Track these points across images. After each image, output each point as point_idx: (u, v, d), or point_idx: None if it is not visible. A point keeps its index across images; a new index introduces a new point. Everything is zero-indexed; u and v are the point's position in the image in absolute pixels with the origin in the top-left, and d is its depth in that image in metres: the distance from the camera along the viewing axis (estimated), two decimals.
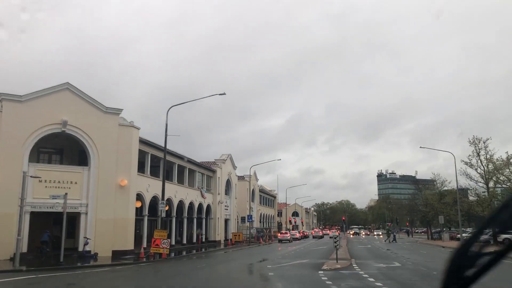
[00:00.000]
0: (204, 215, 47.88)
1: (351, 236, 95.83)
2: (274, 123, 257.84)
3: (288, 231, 66.64)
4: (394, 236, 60.23)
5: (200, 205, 46.64)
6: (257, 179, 74.98)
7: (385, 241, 59.55)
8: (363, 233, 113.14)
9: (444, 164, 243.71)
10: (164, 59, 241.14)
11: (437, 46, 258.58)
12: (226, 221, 56.33)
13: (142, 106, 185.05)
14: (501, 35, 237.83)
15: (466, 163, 46.00)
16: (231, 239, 50.71)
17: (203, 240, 47.17)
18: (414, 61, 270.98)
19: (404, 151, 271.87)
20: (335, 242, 24.88)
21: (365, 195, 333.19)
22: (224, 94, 28.87)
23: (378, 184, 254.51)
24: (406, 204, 78.71)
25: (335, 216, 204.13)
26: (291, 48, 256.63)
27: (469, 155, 45.48)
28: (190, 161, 42.67)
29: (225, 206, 55.11)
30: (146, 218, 33.84)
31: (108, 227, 28.58)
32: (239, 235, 50.79)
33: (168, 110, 28.69)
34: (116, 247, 28.64)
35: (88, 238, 27.97)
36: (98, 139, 28.99)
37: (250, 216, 55.31)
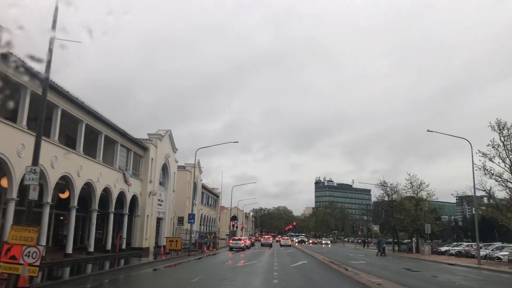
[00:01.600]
0: (126, 210, 32.76)
1: (297, 244, 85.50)
2: (211, 127, 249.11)
3: (242, 238, 52.84)
4: (384, 248, 48.56)
5: (122, 195, 31.57)
6: (201, 171, 60.42)
7: (376, 254, 47.57)
8: (311, 241, 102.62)
9: (376, 174, 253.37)
10: (98, 51, 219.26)
11: (373, 63, 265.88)
12: (159, 221, 41.45)
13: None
14: (432, 56, 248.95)
15: (484, 155, 35.08)
16: (164, 247, 35.88)
17: (123, 247, 32.08)
18: (351, 75, 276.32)
19: (335, 161, 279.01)
20: None
21: (296, 204, 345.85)
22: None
23: (315, 192, 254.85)
24: (371, 210, 67.61)
25: (273, 222, 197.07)
26: (232, 51, 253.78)
27: (490, 143, 34.56)
28: (108, 123, 27.49)
29: (159, 200, 40.23)
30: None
31: None
32: (176, 242, 36.12)
33: None
34: None
35: None
36: None
37: (191, 216, 40.77)
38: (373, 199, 69.83)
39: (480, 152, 35.31)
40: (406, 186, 59.13)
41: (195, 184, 56.90)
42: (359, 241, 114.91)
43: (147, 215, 36.06)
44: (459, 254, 47.39)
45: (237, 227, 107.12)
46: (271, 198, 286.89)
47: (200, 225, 64.02)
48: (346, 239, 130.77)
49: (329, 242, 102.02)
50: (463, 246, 49.77)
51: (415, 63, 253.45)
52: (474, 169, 34.92)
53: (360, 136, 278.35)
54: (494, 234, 75.52)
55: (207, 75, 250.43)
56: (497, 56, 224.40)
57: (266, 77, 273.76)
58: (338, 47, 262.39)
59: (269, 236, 76.75)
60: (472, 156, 34.94)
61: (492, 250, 41.96)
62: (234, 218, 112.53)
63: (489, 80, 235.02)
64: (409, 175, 58.69)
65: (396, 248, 66.68)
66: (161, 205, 40.98)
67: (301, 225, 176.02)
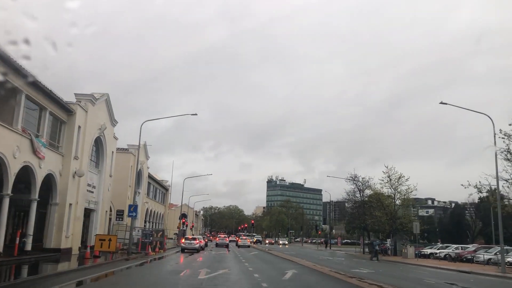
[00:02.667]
0: (35, 195, 22.68)
1: (253, 244, 77.36)
2: (160, 123, 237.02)
3: (197, 237, 43.27)
4: (377, 251, 40.95)
5: (27, 172, 21.52)
6: (147, 157, 50.29)
7: (371, 259, 39.80)
8: (267, 241, 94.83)
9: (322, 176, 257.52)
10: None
11: (325, 65, 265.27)
12: (90, 213, 31.44)
13: None
14: (383, 61, 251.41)
15: (506, 136, 28.28)
16: (93, 248, 26.04)
17: (27, 248, 21.99)
18: (303, 76, 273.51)
19: (285, 162, 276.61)
20: None
21: (246, 203, 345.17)
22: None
23: (267, 191, 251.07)
24: (339, 207, 60.32)
25: (223, 222, 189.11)
26: (184, 46, 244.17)
27: None
28: (11, 65, 17.31)
29: (90, 185, 30.23)
30: None
31: None
32: (110, 241, 26.32)
33: None
34: None
35: None
36: None
37: (133, 208, 30.96)
38: (343, 195, 61.97)
39: (502, 132, 28.54)
40: (383, 180, 52.31)
41: (140, 172, 46.88)
42: (318, 241, 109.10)
43: (70, 204, 26.04)
44: (448, 258, 40.93)
45: (186, 226, 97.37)
46: (222, 197, 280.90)
47: (146, 221, 53.95)
48: (298, 239, 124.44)
49: (287, 242, 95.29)
50: (452, 249, 43.37)
51: (365, 67, 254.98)
52: (497, 154, 27.96)
53: (310, 137, 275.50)
54: (467, 235, 71.64)
55: (157, 69, 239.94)
56: (443, 65, 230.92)
57: (219, 74, 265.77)
58: (291, 48, 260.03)
59: (225, 236, 67.58)
60: (495, 136, 27.97)
61: (495, 254, 35.55)
62: (184, 216, 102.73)
63: (434, 87, 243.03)
64: (387, 167, 51.93)
65: (366, 250, 60.05)
66: (92, 192, 30.94)
67: (250, 225, 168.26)
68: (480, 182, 31.08)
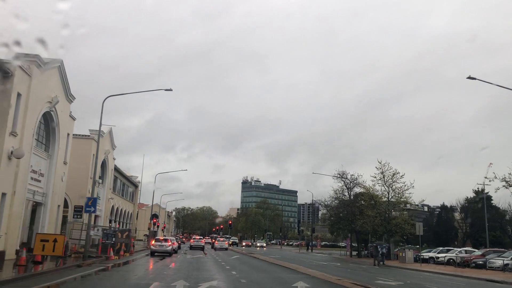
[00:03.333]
0: None
1: (230, 247, 71.87)
2: (133, 123, 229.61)
3: (169, 239, 37.17)
4: (383, 255, 35.97)
5: None
6: (114, 146, 43.93)
7: (374, 264, 34.80)
8: (244, 243, 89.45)
9: (297, 178, 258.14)
10: None
11: (300, 68, 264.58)
12: (36, 207, 25.26)
13: None
14: (356, 65, 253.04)
15: None
16: (32, 250, 20.01)
17: None
18: (278, 78, 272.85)
19: (259, 164, 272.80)
20: None
21: (219, 205, 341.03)
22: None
23: (242, 192, 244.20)
24: (333, 207, 55.24)
25: (196, 223, 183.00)
26: (159, 44, 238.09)
27: None
28: None
29: (35, 172, 24.07)
30: None
31: None
32: (55, 242, 20.18)
33: None
34: None
35: None
36: None
37: (92, 202, 24.94)
38: (329, 193, 57.01)
39: None
40: (375, 177, 47.60)
41: (104, 163, 40.66)
42: (295, 243, 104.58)
43: (3, 194, 19.89)
44: (453, 263, 36.46)
45: (158, 226, 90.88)
46: (195, 199, 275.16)
47: (112, 221, 47.63)
48: (274, 241, 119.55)
49: (264, 244, 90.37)
50: (455, 253, 38.92)
51: (339, 70, 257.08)
52: None
53: (284, 140, 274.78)
54: (454, 238, 68.06)
55: (131, 67, 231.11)
56: (414, 70, 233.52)
57: (193, 74, 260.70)
58: (267, 49, 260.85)
59: (201, 237, 61.52)
60: None
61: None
62: (155, 216, 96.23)
63: (406, 92, 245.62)
64: (380, 162, 47.28)
65: (354, 253, 55.27)
66: (39, 181, 24.77)
67: (226, 226, 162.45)
68: (510, 174, 26.28)
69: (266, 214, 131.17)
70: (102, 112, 25.61)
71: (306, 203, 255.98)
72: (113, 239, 29.39)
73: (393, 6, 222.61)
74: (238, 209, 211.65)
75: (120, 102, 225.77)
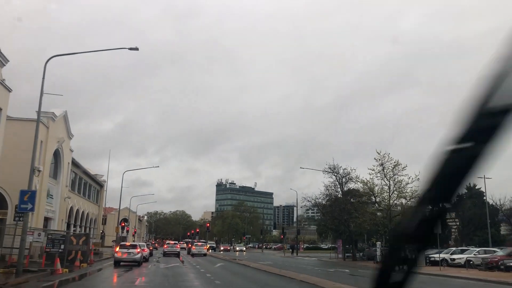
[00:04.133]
0: None
1: (209, 252, 65.53)
2: (103, 127, 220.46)
3: (138, 245, 30.27)
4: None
5: None
6: (70, 135, 36.73)
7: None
8: (222, 248, 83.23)
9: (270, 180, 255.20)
10: None
11: (273, 69, 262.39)
12: None
13: None
14: (328, 66, 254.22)
15: None
16: None
17: None
18: (250, 80, 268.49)
19: (233, 167, 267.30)
20: None
21: (193, 209, 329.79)
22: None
23: (216, 194, 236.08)
24: (324, 204, 49.38)
25: (169, 228, 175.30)
26: (128, 45, 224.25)
27: None
28: None
29: None
30: None
31: None
32: None
33: None
34: None
35: None
36: None
37: (29, 196, 18.23)
38: (321, 189, 51.12)
39: None
40: (374, 170, 42.23)
41: (58, 153, 33.58)
42: (274, 246, 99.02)
43: None
44: (471, 265, 31.32)
45: (127, 231, 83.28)
46: (167, 204, 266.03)
47: (73, 225, 40.41)
48: (251, 245, 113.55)
49: (244, 248, 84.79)
50: (473, 254, 33.78)
51: (311, 72, 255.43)
52: None
53: (257, 142, 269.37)
54: (447, 237, 63.79)
55: (99, 69, 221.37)
56: (385, 71, 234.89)
57: (164, 76, 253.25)
58: (239, 50, 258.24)
59: (175, 242, 54.23)
60: None
61: None
62: (124, 221, 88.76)
63: (378, 93, 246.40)
64: (379, 153, 42.00)
65: (347, 255, 49.52)
66: None
67: (202, 230, 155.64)
68: None
69: (243, 217, 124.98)
70: (44, 75, 18.92)
71: (281, 205, 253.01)
72: (61, 246, 22.56)
73: (364, 9, 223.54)
74: (212, 212, 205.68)
75: (89, 105, 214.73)
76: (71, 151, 37.55)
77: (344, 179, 47.77)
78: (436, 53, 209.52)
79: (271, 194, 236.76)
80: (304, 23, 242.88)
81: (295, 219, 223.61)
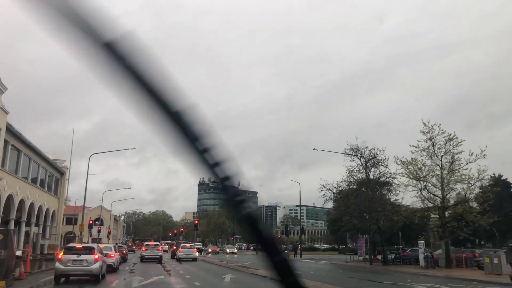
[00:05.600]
0: None
1: (201, 256, 54.88)
2: (80, 126, 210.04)
3: (93, 247, 18.89)
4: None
5: None
6: (6, 112, 25.00)
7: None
8: (210, 249, 72.96)
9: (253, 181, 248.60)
10: None
11: (256, 68, 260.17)
12: None
13: None
14: (308, 66, 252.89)
15: None
16: None
17: None
18: (233, 78, 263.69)
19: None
20: None
21: (173, 211, 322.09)
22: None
23: (198, 194, 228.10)
24: (339, 199, 38.83)
25: (149, 229, 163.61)
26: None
27: None
28: None
29: None
30: None
31: None
32: None
33: None
34: None
35: None
36: None
37: None
38: (342, 176, 40.19)
39: None
40: (418, 147, 31.82)
41: None
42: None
43: None
44: None
45: (99, 231, 71.58)
46: (147, 205, 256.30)
47: (19, 221, 28.83)
48: (238, 246, 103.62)
49: (235, 250, 74.86)
50: None
51: (295, 71, 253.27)
52: None
53: (240, 141, 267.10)
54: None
55: (76, 67, 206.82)
56: (368, 72, 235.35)
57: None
58: (221, 47, 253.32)
59: (157, 244, 41.86)
60: None
61: None
62: (99, 221, 77.09)
63: (360, 93, 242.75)
64: (426, 124, 31.58)
65: (367, 257, 38.93)
66: None
67: (186, 230, 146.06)
68: None
69: (230, 216, 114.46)
70: None
71: (263, 205, 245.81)
72: None
73: (348, 8, 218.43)
74: (194, 213, 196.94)
75: (66, 104, 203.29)
76: (7, 112, 25.99)
77: (370, 163, 37.54)
78: (419, 54, 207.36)
79: (256, 193, 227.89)
80: (288, 21, 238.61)
81: (278, 219, 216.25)
